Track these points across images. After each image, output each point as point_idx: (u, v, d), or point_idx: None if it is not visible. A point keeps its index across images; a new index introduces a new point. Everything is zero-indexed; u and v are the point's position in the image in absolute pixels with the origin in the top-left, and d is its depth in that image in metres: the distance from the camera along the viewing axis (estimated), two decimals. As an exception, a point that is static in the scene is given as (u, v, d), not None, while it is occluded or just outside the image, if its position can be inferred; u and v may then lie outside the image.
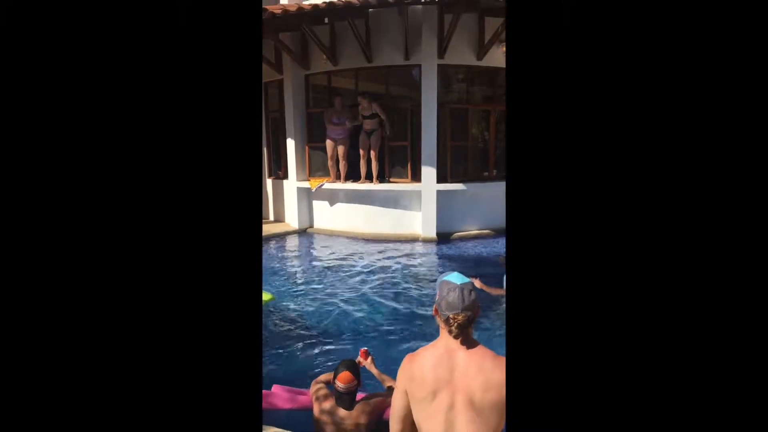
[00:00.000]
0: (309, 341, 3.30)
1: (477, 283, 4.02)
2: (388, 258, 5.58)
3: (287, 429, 1.90)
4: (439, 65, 6.11)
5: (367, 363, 2.25)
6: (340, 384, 1.97)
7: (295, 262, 5.76)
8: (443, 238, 6.32)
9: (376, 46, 6.31)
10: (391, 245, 6.16)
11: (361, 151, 6.42)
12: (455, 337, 1.25)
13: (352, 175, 6.63)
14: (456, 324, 1.24)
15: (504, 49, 6.42)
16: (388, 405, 2.00)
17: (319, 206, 7.10)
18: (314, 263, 5.60)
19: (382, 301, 4.17)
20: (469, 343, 1.27)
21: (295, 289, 4.58)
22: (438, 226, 6.32)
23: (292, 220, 7.28)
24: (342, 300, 4.21)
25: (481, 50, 6.26)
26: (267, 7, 5.40)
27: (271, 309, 3.81)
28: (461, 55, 6.28)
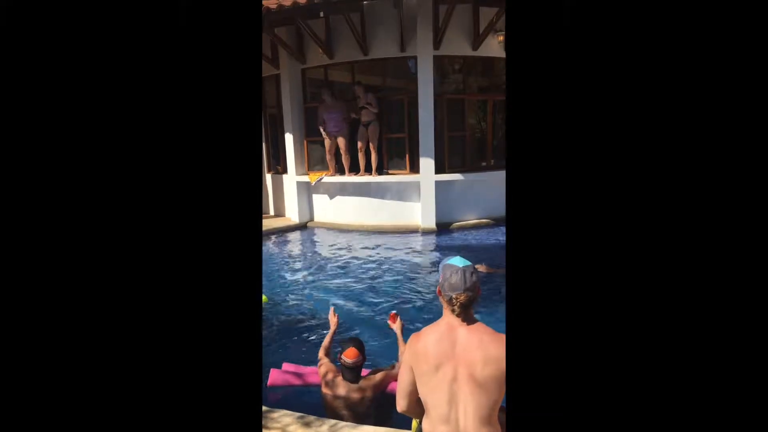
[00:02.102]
0: (310, 332, 3.36)
1: (483, 268, 4.11)
2: (388, 249, 5.63)
3: (297, 403, 1.97)
4: (435, 56, 6.11)
5: (396, 326, 2.34)
6: (346, 359, 2.09)
7: (296, 257, 5.81)
8: (443, 228, 6.37)
9: (372, 39, 6.31)
10: (391, 237, 6.21)
11: (360, 144, 6.44)
12: (457, 316, 1.33)
13: (352, 168, 6.67)
14: (458, 303, 1.31)
15: (500, 38, 6.42)
16: (391, 380, 2.13)
17: (319, 200, 7.14)
18: (314, 257, 5.64)
19: (382, 291, 4.22)
20: (469, 320, 1.34)
21: (295, 282, 4.63)
22: (437, 217, 6.36)
23: (292, 214, 7.32)
24: (342, 292, 4.26)
25: (477, 40, 6.26)
26: (262, 2, 5.40)
27: (267, 307, 3.84)
28: (457, 45, 6.29)
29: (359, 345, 2.16)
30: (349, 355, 2.10)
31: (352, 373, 2.11)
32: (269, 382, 2.45)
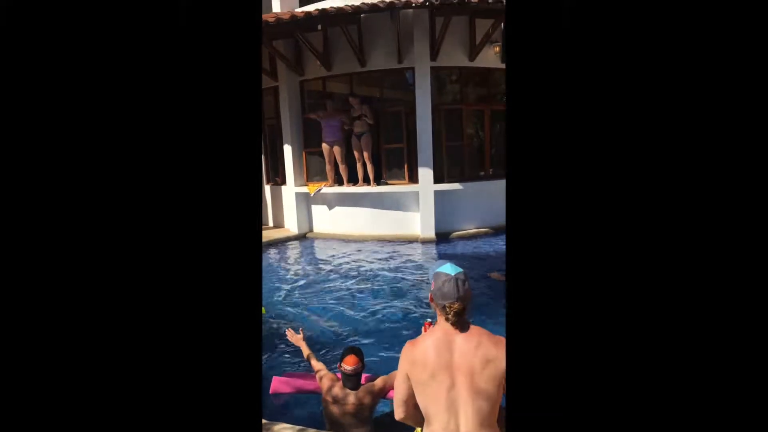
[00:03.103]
0: (308, 343, 3.32)
1: (497, 276, 4.15)
2: (388, 260, 5.61)
3: (298, 411, 1.94)
4: (432, 67, 6.17)
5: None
6: (346, 366, 2.11)
7: (295, 267, 5.79)
8: (442, 237, 6.36)
9: (369, 51, 6.38)
10: (390, 247, 6.20)
11: (356, 154, 6.47)
12: (452, 325, 1.32)
13: (351, 179, 6.68)
14: (452, 312, 1.31)
15: (496, 49, 6.49)
16: (391, 387, 2.12)
17: (318, 211, 7.14)
18: (313, 267, 5.63)
19: (382, 300, 4.21)
20: (464, 325, 1.34)
21: (294, 293, 4.61)
22: (436, 226, 6.36)
23: (291, 225, 7.31)
24: (342, 302, 4.24)
25: (473, 51, 6.33)
26: (262, 15, 5.47)
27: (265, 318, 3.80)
28: (453, 56, 6.36)
29: (358, 353, 2.18)
30: (348, 363, 2.12)
31: (352, 381, 2.13)
32: (271, 389, 2.48)
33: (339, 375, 2.20)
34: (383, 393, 2.17)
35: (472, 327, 1.34)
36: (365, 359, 2.23)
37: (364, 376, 2.22)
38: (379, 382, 2.17)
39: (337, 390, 2.15)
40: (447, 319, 1.32)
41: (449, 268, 1.36)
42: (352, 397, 2.12)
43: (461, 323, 1.33)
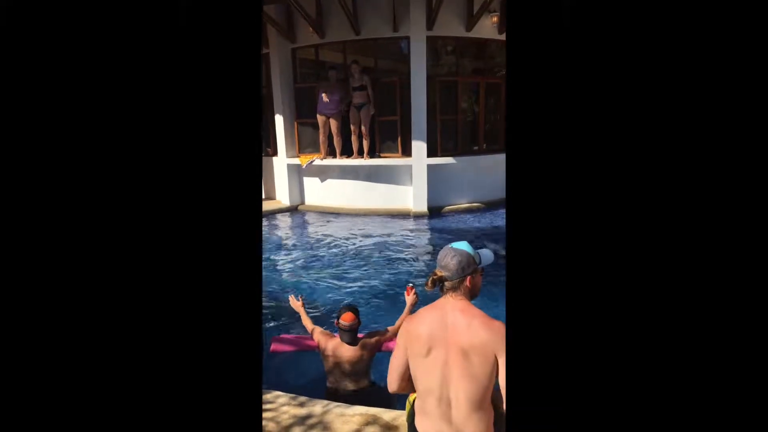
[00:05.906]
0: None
1: None
2: (380, 233, 5.62)
3: (298, 367, 2.13)
4: (428, 37, 6.02)
5: (409, 299, 2.47)
6: (344, 323, 2.27)
7: (287, 240, 5.78)
8: (434, 212, 6.37)
9: (364, 18, 6.18)
10: (382, 220, 6.20)
11: (353, 126, 6.35)
12: (444, 294, 1.35)
13: (344, 151, 6.60)
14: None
15: (494, 19, 6.33)
16: (385, 340, 2.38)
17: (310, 183, 7.08)
18: (305, 240, 5.62)
19: (373, 273, 4.23)
20: (462, 304, 1.34)
21: (286, 265, 4.61)
22: (429, 200, 6.36)
23: (283, 197, 7.25)
24: (334, 275, 4.27)
25: (470, 21, 6.16)
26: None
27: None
28: (450, 26, 6.19)
29: (354, 310, 2.33)
30: (346, 319, 2.26)
31: (349, 336, 2.27)
32: (271, 349, 2.63)
33: (336, 335, 2.33)
34: (378, 346, 2.34)
35: (469, 307, 1.35)
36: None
37: (359, 335, 2.35)
38: (374, 337, 2.34)
39: (335, 345, 2.29)
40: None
41: (460, 244, 1.40)
42: (350, 351, 2.27)
43: (457, 300, 1.33)
